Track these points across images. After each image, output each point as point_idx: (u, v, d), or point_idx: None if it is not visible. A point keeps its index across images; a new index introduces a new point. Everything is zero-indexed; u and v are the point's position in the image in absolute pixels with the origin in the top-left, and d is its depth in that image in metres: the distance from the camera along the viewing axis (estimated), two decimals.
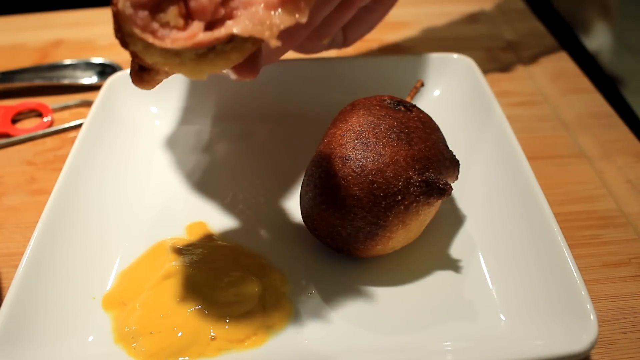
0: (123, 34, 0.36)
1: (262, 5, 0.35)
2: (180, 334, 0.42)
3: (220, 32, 0.35)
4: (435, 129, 0.48)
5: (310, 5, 0.36)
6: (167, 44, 0.35)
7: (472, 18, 0.83)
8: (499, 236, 0.48)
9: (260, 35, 0.35)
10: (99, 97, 0.58)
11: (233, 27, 0.35)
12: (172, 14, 0.35)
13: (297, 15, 0.36)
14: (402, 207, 0.43)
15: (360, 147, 0.44)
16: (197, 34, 0.35)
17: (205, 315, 0.43)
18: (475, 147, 0.55)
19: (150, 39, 0.35)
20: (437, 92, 0.60)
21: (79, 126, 0.64)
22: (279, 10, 0.35)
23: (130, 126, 0.58)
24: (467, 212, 0.51)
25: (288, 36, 0.41)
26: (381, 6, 0.54)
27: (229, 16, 0.36)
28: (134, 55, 0.38)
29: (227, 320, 0.43)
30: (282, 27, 0.35)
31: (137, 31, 0.35)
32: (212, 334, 0.42)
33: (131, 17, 0.35)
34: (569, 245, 0.43)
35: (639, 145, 0.61)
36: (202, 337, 0.42)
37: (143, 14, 0.35)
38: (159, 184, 0.55)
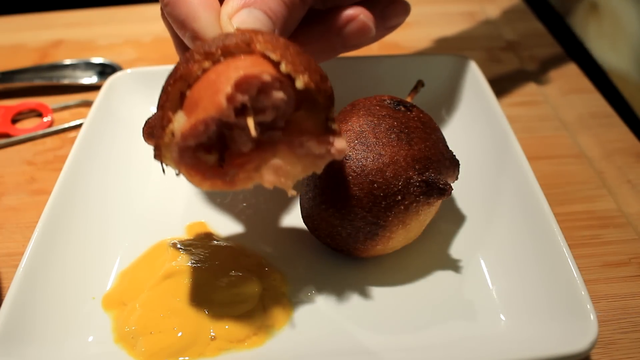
0: (160, 152, 0.38)
1: (285, 157, 0.38)
2: (180, 334, 0.42)
3: (248, 184, 0.38)
4: (435, 129, 0.48)
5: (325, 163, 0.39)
6: (194, 181, 0.38)
7: (472, 18, 0.83)
8: (499, 236, 0.48)
9: (279, 186, 0.38)
10: (99, 97, 0.58)
11: (256, 180, 0.38)
12: (210, 159, 0.37)
13: (315, 170, 0.39)
14: (402, 207, 0.43)
15: (360, 147, 0.44)
16: (217, 183, 0.38)
17: (205, 315, 0.43)
18: (475, 147, 0.55)
19: (183, 170, 0.37)
20: (437, 92, 0.60)
21: (79, 126, 0.64)
22: (299, 163, 0.39)
23: (130, 126, 0.58)
24: (467, 212, 0.51)
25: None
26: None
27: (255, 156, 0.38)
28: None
29: (227, 320, 0.43)
30: (300, 178, 0.39)
31: (173, 163, 0.38)
32: (212, 334, 0.42)
33: (174, 158, 0.37)
34: (569, 245, 0.43)
35: (639, 145, 0.61)
36: (202, 337, 0.42)
37: (187, 157, 0.37)
38: (159, 183, 0.55)
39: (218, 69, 0.37)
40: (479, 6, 0.85)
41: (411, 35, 0.79)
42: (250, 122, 0.36)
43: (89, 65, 0.72)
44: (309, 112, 0.39)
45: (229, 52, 0.37)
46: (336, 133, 0.39)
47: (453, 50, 0.76)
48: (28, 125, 0.65)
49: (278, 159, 0.38)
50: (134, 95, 0.59)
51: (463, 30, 0.80)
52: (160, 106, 0.39)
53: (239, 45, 0.37)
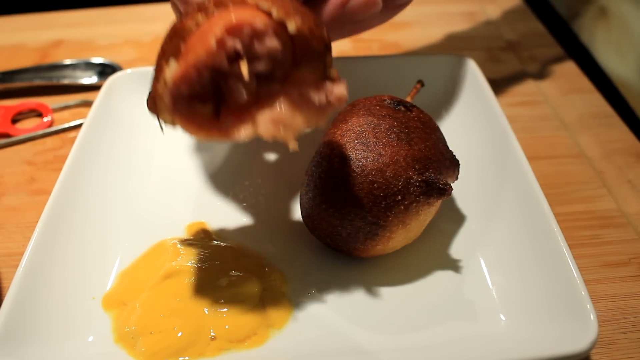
0: (154, 103, 0.38)
1: (284, 107, 0.37)
2: (180, 334, 0.42)
3: (245, 133, 0.37)
4: (435, 129, 0.48)
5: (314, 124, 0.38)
6: (190, 130, 0.37)
7: (472, 18, 0.83)
8: (499, 236, 0.48)
9: (278, 137, 0.37)
10: (99, 97, 0.58)
11: (254, 130, 0.37)
12: (206, 109, 0.37)
13: (317, 122, 0.38)
14: (402, 207, 0.43)
15: (360, 147, 0.44)
16: (214, 133, 0.37)
17: (205, 315, 0.43)
18: (475, 147, 0.55)
19: (178, 120, 0.37)
20: (437, 92, 0.60)
21: (79, 126, 0.64)
22: (300, 114, 0.38)
23: (130, 126, 0.58)
24: (467, 212, 0.51)
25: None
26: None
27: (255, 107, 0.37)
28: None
29: (227, 320, 0.43)
30: (302, 131, 0.38)
31: (168, 114, 0.37)
32: (212, 334, 0.42)
33: (168, 106, 0.36)
34: (569, 245, 0.43)
35: (639, 145, 0.61)
36: (202, 337, 0.42)
37: (180, 105, 0.36)
38: (159, 183, 0.55)
39: (211, 21, 0.36)
40: (479, 6, 0.85)
41: (411, 35, 0.79)
42: (244, 67, 0.35)
43: (89, 65, 0.72)
44: (308, 66, 0.38)
45: (222, 4, 0.37)
46: (335, 80, 0.38)
47: (453, 50, 0.76)
48: (28, 125, 0.65)
49: (276, 109, 0.37)
50: (134, 95, 0.59)
51: (463, 30, 0.80)
52: (157, 63, 0.38)
53: None
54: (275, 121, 0.37)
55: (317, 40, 0.37)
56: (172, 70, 0.36)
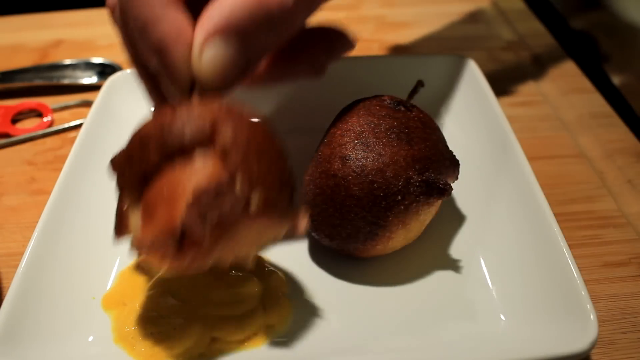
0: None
1: (240, 241, 0.38)
2: (180, 334, 0.42)
3: (201, 266, 0.38)
4: (435, 129, 0.48)
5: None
6: (153, 263, 0.38)
7: (472, 18, 0.83)
8: (499, 236, 0.48)
9: (238, 263, 0.40)
10: (99, 97, 0.58)
11: (214, 261, 0.38)
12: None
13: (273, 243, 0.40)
14: (402, 207, 0.43)
15: (360, 147, 0.44)
16: (177, 265, 0.37)
17: (205, 316, 0.43)
18: (475, 147, 0.55)
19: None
20: (437, 92, 0.60)
21: (79, 126, 0.64)
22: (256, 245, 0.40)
23: (130, 126, 0.57)
24: (467, 212, 0.51)
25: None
26: None
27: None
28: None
29: (227, 321, 0.43)
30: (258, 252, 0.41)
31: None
32: (212, 334, 0.42)
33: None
34: (569, 245, 0.43)
35: (639, 145, 0.61)
36: (202, 338, 0.42)
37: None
38: None
39: (174, 180, 0.36)
40: (479, 6, 0.85)
41: (411, 35, 0.79)
42: (207, 231, 0.36)
43: (89, 65, 0.72)
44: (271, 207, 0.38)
45: (186, 152, 0.37)
46: (296, 215, 0.39)
47: (453, 50, 0.76)
48: (28, 125, 0.65)
49: (235, 240, 0.37)
50: (134, 95, 0.58)
51: (463, 30, 0.80)
52: (119, 186, 0.39)
53: (199, 140, 0.36)
54: (234, 252, 0.38)
55: (281, 202, 0.38)
56: (137, 226, 0.37)
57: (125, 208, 0.38)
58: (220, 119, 0.37)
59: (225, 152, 0.36)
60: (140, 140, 0.38)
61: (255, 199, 0.36)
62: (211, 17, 0.37)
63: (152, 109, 0.45)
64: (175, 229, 0.35)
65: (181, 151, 0.36)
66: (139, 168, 0.37)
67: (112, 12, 0.44)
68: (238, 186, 0.36)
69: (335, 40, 0.48)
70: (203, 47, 0.38)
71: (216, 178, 0.36)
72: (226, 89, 0.40)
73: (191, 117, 0.37)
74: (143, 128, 0.38)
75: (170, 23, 0.38)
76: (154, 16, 0.37)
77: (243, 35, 0.38)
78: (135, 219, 0.38)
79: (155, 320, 0.42)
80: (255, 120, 0.39)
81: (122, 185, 0.39)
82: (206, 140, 0.36)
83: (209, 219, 0.36)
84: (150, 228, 0.36)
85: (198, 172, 0.36)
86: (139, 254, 0.37)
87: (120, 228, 0.38)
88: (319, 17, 0.45)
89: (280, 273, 0.47)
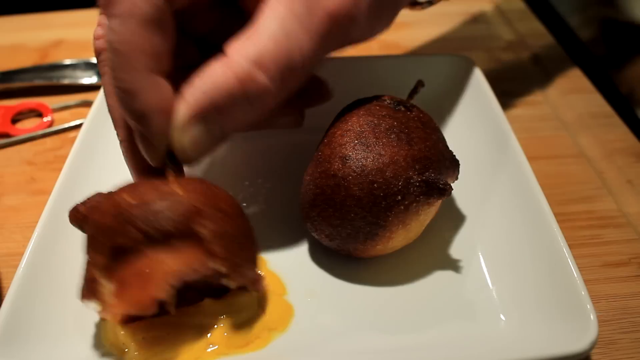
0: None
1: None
2: (175, 338, 0.41)
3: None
4: (435, 129, 0.48)
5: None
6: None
7: (472, 18, 0.83)
8: (499, 236, 0.48)
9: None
10: (99, 97, 0.58)
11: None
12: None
13: None
14: (402, 207, 0.43)
15: (360, 147, 0.44)
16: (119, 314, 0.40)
17: (199, 325, 0.42)
18: (475, 147, 0.55)
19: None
20: (437, 92, 0.60)
21: (79, 126, 0.64)
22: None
23: None
24: (467, 212, 0.51)
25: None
26: None
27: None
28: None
29: (226, 329, 0.42)
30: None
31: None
32: (209, 341, 0.41)
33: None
34: (569, 245, 0.43)
35: (639, 145, 0.61)
36: (197, 344, 0.41)
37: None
38: None
39: (155, 262, 0.38)
40: (479, 6, 0.85)
41: (411, 35, 0.79)
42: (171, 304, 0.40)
43: (89, 65, 0.72)
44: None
45: (169, 235, 0.38)
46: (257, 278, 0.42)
47: (453, 50, 0.76)
48: (28, 125, 0.66)
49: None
50: None
51: (463, 30, 0.80)
52: (89, 249, 0.40)
53: (181, 230, 0.38)
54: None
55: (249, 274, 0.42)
56: (107, 295, 0.38)
57: (95, 275, 0.39)
58: (200, 209, 0.39)
59: (206, 241, 0.39)
60: (120, 213, 0.38)
61: (233, 284, 0.41)
62: (194, 95, 0.38)
63: (131, 174, 0.46)
64: (152, 305, 0.38)
65: (164, 237, 0.38)
66: (117, 241, 0.38)
67: (99, 55, 0.44)
68: (216, 271, 0.39)
69: (312, 90, 0.51)
70: (188, 126, 0.39)
71: (197, 265, 0.39)
72: (200, 159, 0.42)
73: (174, 203, 0.39)
74: (122, 200, 0.39)
75: (154, 93, 0.38)
76: (138, 84, 0.38)
77: (225, 114, 0.39)
78: (106, 287, 0.39)
79: (152, 324, 0.41)
80: (229, 202, 0.41)
81: (93, 249, 0.40)
82: (188, 230, 0.38)
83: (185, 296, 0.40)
84: (125, 300, 0.38)
85: (180, 259, 0.38)
86: (106, 316, 0.40)
87: (89, 293, 0.39)
88: None
89: (280, 273, 0.47)
